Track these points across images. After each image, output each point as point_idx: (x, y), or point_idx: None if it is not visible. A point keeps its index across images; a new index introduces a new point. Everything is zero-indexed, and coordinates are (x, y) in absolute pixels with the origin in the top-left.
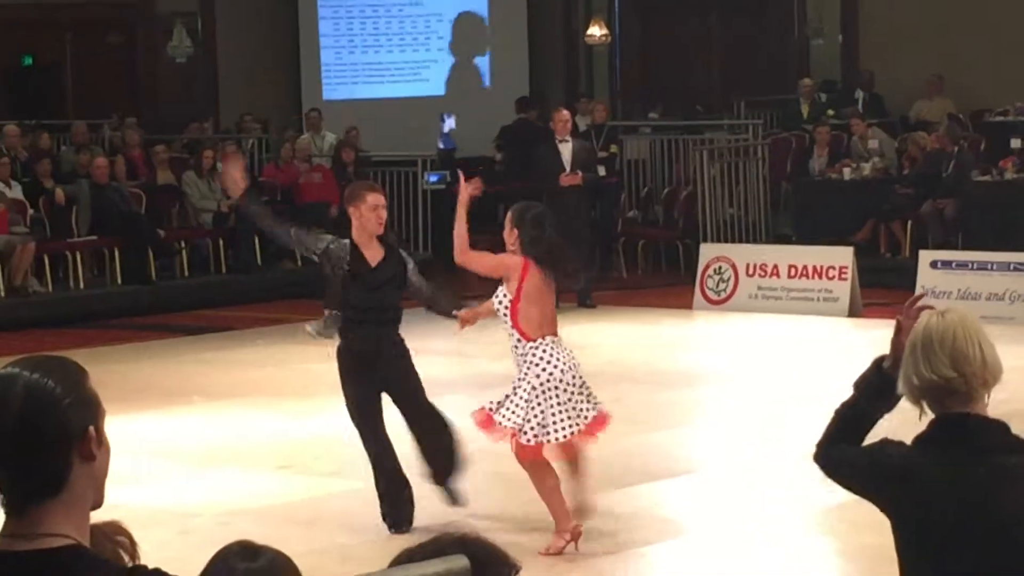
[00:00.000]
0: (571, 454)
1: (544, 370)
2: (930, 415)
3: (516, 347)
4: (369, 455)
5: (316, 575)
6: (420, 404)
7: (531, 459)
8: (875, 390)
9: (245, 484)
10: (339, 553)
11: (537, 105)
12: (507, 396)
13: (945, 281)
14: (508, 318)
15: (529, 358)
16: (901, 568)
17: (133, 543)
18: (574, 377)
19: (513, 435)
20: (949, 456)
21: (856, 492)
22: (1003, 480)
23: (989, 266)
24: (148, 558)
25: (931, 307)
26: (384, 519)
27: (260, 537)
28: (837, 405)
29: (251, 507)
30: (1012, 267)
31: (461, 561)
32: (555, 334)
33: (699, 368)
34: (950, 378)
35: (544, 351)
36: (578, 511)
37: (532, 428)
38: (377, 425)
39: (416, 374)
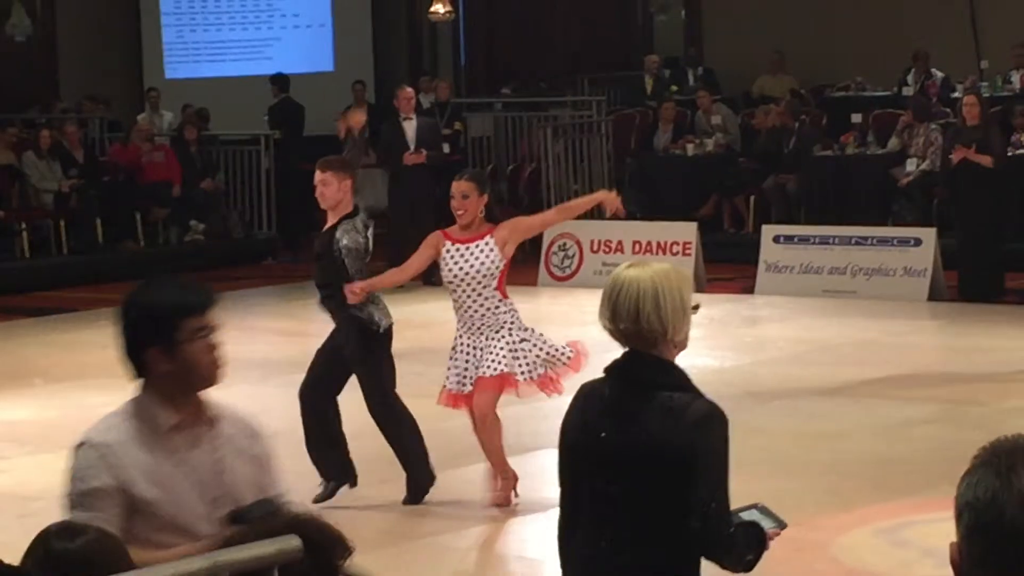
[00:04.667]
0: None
1: (517, 321)
2: None
3: (497, 308)
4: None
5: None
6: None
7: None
8: None
9: None
10: None
11: (287, 84)
12: (510, 354)
13: (788, 256)
14: (492, 280)
15: (513, 314)
16: (561, 490)
17: None
18: None
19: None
20: (618, 388)
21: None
22: (658, 413)
23: (831, 240)
24: None
25: None
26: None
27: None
28: None
29: None
30: (853, 241)
31: (293, 542)
32: None
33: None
34: (608, 328)
35: (513, 306)
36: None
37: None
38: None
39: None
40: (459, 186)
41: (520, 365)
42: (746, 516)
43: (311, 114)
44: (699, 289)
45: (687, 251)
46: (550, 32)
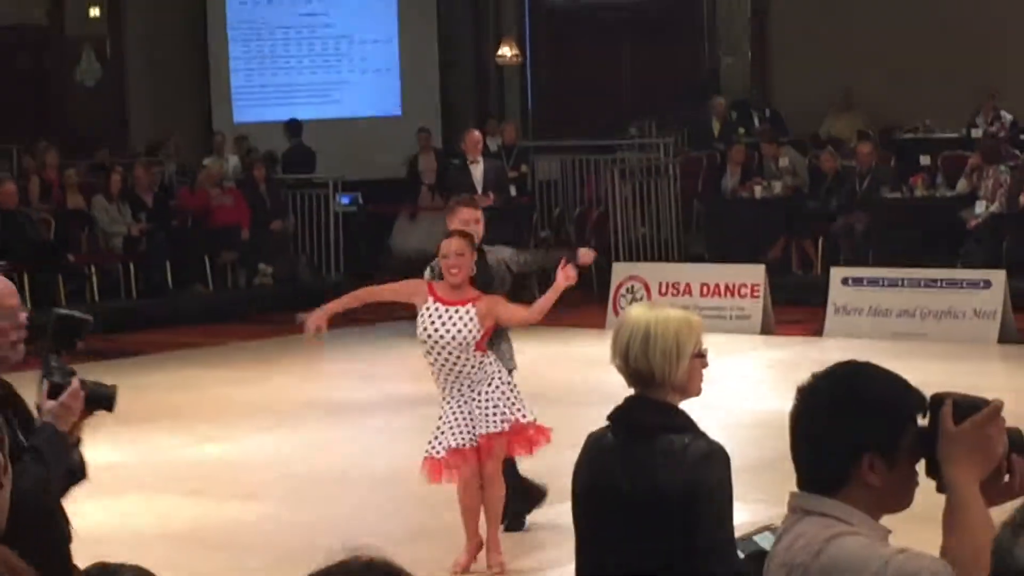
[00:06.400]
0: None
1: (502, 368)
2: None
3: (480, 363)
4: None
5: None
6: None
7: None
8: None
9: (156, 509)
10: None
11: (300, 129)
12: (509, 398)
13: (856, 298)
14: (470, 348)
15: (498, 363)
16: (577, 538)
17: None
18: None
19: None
20: (621, 431)
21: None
22: (659, 457)
23: (900, 283)
24: None
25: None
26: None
27: (170, 563)
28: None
29: (162, 532)
30: (923, 283)
31: None
32: None
33: (613, 386)
34: (617, 366)
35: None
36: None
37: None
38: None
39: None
40: (454, 243)
41: (519, 409)
42: (759, 540)
43: (380, 158)
44: (767, 331)
45: (755, 293)
46: (617, 74)
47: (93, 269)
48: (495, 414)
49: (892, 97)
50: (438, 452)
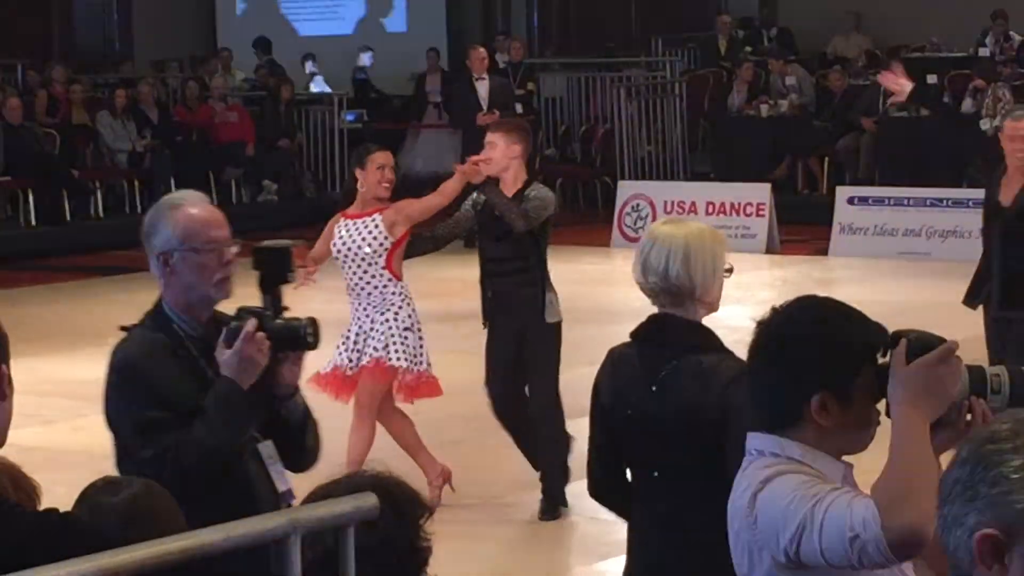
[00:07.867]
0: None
1: (413, 309)
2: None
3: (386, 287)
4: None
5: None
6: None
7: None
8: None
9: None
10: None
11: (269, 47)
12: (389, 339)
13: (862, 217)
14: (377, 258)
15: (403, 298)
16: (593, 446)
17: (33, 486)
18: None
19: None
20: (647, 349)
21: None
22: (689, 377)
23: (905, 202)
24: (61, 500)
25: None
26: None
27: None
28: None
29: None
30: (928, 202)
31: (370, 499)
32: None
33: (618, 305)
34: (639, 283)
35: (408, 290)
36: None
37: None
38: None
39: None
40: (389, 157)
41: (397, 351)
42: None
43: (381, 74)
44: (772, 250)
45: (761, 212)
46: None
47: (98, 185)
48: (374, 348)
49: (899, 15)
50: (324, 368)
